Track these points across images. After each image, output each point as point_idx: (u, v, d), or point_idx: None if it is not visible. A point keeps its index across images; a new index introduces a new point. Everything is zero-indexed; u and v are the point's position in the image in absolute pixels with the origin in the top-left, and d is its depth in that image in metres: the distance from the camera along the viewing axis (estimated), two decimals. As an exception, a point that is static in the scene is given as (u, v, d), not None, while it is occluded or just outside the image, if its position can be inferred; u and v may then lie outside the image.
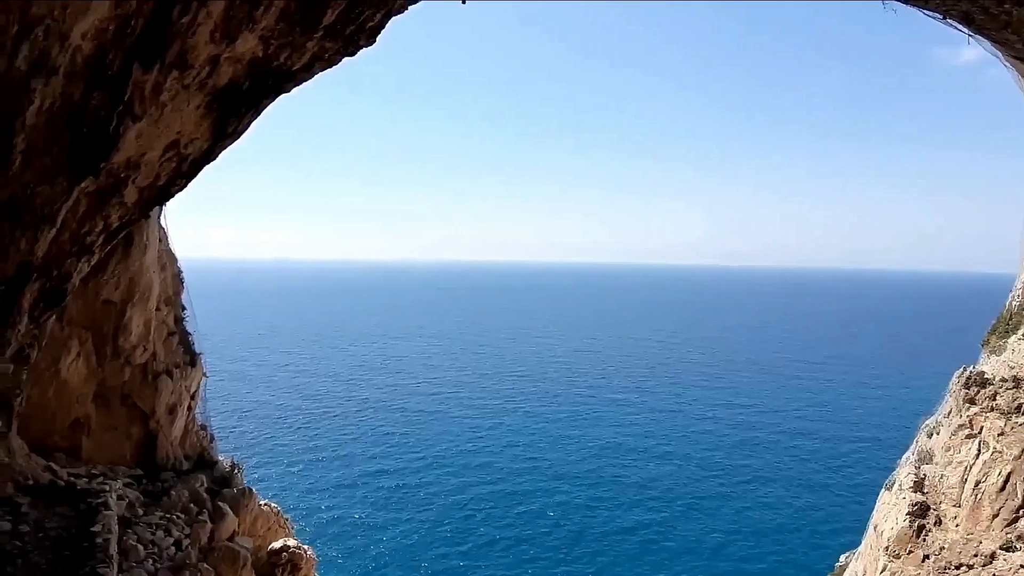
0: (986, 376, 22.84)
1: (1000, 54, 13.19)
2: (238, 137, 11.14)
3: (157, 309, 12.68)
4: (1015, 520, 17.73)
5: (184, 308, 14.35)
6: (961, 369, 24.12)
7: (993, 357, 24.80)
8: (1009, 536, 17.34)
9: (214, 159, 11.00)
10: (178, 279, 13.88)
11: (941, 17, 11.29)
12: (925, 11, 10.02)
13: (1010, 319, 26.23)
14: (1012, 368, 22.45)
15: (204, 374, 15.74)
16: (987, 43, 12.39)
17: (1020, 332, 24.65)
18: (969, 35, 11.93)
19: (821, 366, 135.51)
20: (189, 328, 14.68)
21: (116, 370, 12.11)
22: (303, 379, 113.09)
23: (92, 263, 8.89)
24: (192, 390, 14.80)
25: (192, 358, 14.72)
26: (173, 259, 13.58)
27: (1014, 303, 26.91)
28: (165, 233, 12.93)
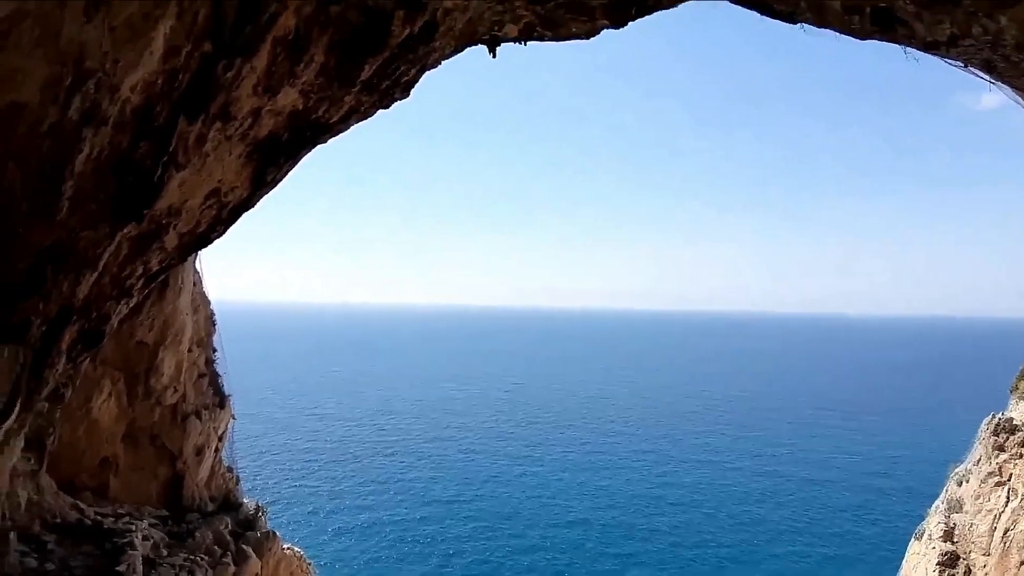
0: (1015, 423, 22.15)
1: (1022, 100, 13.18)
2: (275, 185, 11.36)
3: (189, 351, 12.78)
4: None
5: (215, 350, 14.45)
6: (990, 416, 23.42)
7: (1022, 403, 24.26)
8: None
9: (253, 206, 11.20)
10: (210, 321, 14.02)
11: (963, 65, 11.33)
12: (947, 59, 10.02)
13: None
14: None
15: (232, 416, 15.77)
16: (1008, 90, 12.43)
17: None
18: (991, 82, 11.95)
19: (849, 414, 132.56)
20: (219, 370, 14.75)
21: (146, 410, 12.15)
22: (329, 423, 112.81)
23: (131, 305, 9.00)
24: (220, 431, 14.79)
25: (221, 400, 14.75)
26: (206, 302, 13.74)
27: None
28: (199, 276, 13.12)
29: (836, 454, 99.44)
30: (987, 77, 11.72)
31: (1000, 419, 22.86)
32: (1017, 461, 20.57)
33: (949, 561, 20.04)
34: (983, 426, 23.89)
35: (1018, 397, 24.97)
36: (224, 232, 10.88)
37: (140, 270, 8.78)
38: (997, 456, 21.65)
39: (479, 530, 66.74)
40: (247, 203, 10.71)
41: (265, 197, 11.48)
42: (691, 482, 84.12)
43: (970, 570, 19.67)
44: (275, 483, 76.02)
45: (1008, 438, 21.70)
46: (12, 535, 7.91)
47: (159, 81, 6.69)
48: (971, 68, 11.38)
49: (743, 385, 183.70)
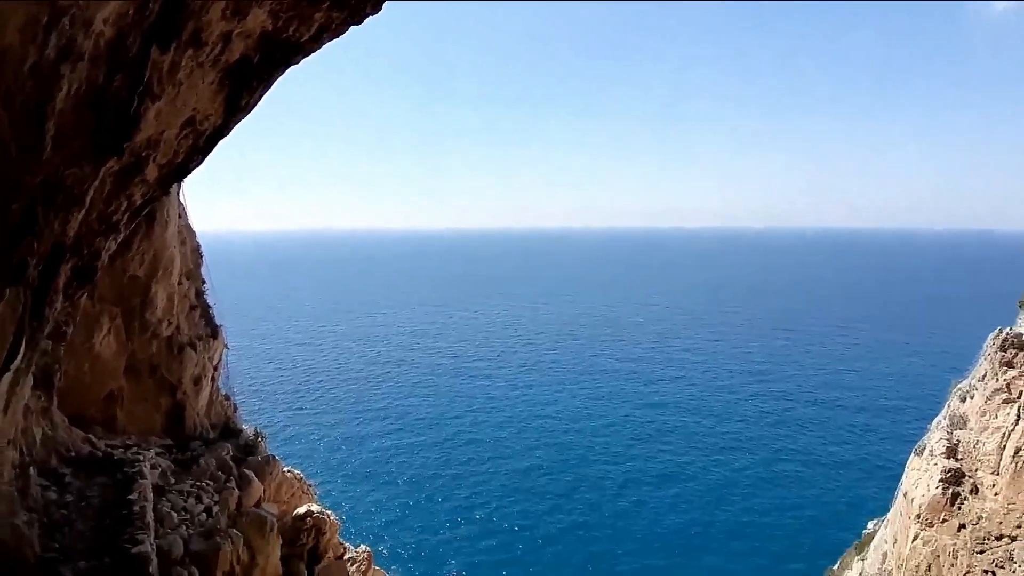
0: None
1: None
2: (250, 111, 11.56)
3: (179, 283, 13.29)
4: None
5: (204, 282, 14.95)
6: (996, 331, 23.55)
7: None
8: None
9: (228, 133, 11.44)
10: (197, 253, 14.46)
11: None
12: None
13: None
14: None
15: (225, 346, 16.45)
16: None
17: None
18: None
19: (849, 328, 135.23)
20: (209, 301, 15.29)
21: (144, 343, 12.78)
22: (324, 349, 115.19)
23: (119, 240, 9.42)
24: (215, 361, 15.50)
25: (214, 330, 15.38)
26: (192, 233, 14.14)
27: None
28: (184, 208, 13.46)
29: (835, 369, 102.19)
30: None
31: (1008, 334, 23.01)
32: None
33: (953, 478, 20.24)
34: (989, 341, 23.73)
35: None
36: (202, 161, 11.18)
37: (125, 204, 9.17)
38: (1005, 372, 21.80)
39: (474, 450, 69.50)
40: (222, 130, 10.95)
41: (245, 122, 11.70)
42: (689, 399, 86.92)
43: (977, 488, 19.83)
44: (273, 408, 78.52)
45: (1017, 354, 21.89)
46: (32, 470, 8.63)
47: (130, 11, 6.91)
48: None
49: (740, 298, 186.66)
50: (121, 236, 9.51)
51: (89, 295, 9.81)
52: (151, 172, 9.32)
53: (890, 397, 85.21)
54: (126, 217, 9.52)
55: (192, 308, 14.24)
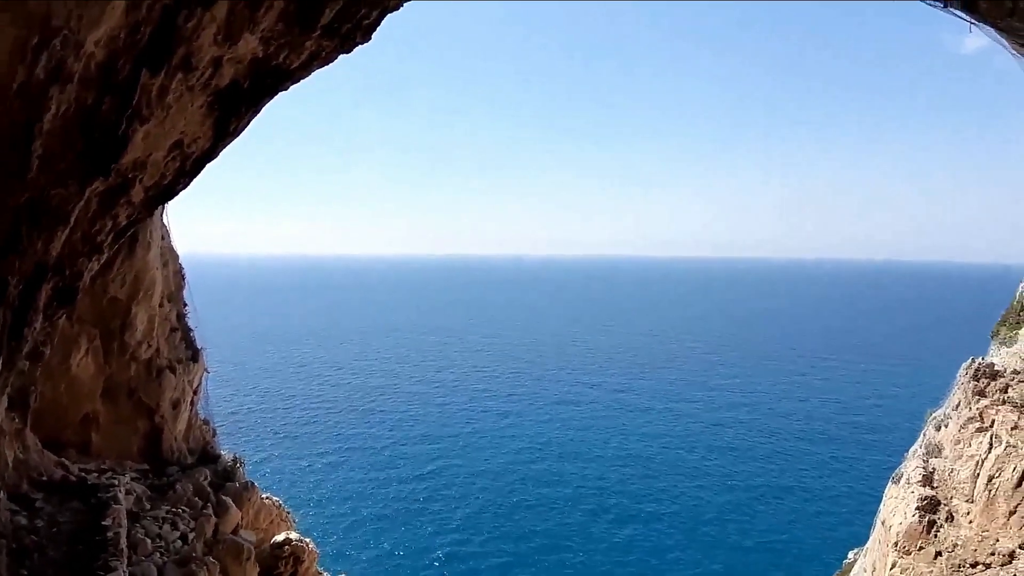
0: (996, 368, 22.64)
1: (1006, 43, 13.25)
2: (238, 135, 11.62)
3: (160, 305, 13.17)
4: None
5: (185, 304, 14.83)
6: (969, 361, 23.88)
7: (1003, 349, 24.54)
8: None
9: (215, 157, 11.48)
10: (179, 275, 14.36)
11: (942, 5, 11.37)
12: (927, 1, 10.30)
13: (1020, 310, 25.91)
14: None
15: (206, 369, 16.25)
16: (991, 31, 12.45)
17: None
18: (972, 23, 11.93)
19: (826, 358, 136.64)
20: (190, 324, 15.16)
21: (123, 366, 12.61)
22: (304, 375, 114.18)
23: (102, 261, 9.36)
24: (195, 385, 15.30)
25: (194, 353, 15.21)
26: (174, 256, 14.05)
27: None
28: (167, 230, 13.40)
29: (811, 398, 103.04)
30: (968, 18, 11.80)
31: (980, 364, 23.36)
32: (1000, 407, 20.96)
33: (929, 506, 20.50)
34: (962, 370, 24.11)
35: (999, 343, 25.39)
36: (188, 184, 11.18)
37: (109, 225, 9.14)
38: (978, 401, 22.08)
39: (457, 473, 68.91)
40: (210, 154, 10.99)
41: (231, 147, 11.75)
42: (664, 426, 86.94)
43: (952, 516, 20.08)
44: (253, 435, 77.43)
45: (989, 383, 22.21)
46: (2, 494, 8.41)
47: (122, 35, 6.97)
48: (951, 8, 11.44)
49: (718, 329, 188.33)
50: (104, 257, 9.46)
51: (68, 315, 9.70)
52: (137, 193, 9.30)
53: (869, 427, 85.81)
54: (110, 238, 9.48)
55: (173, 331, 14.09)
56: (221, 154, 11.73)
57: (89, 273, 9.02)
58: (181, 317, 14.62)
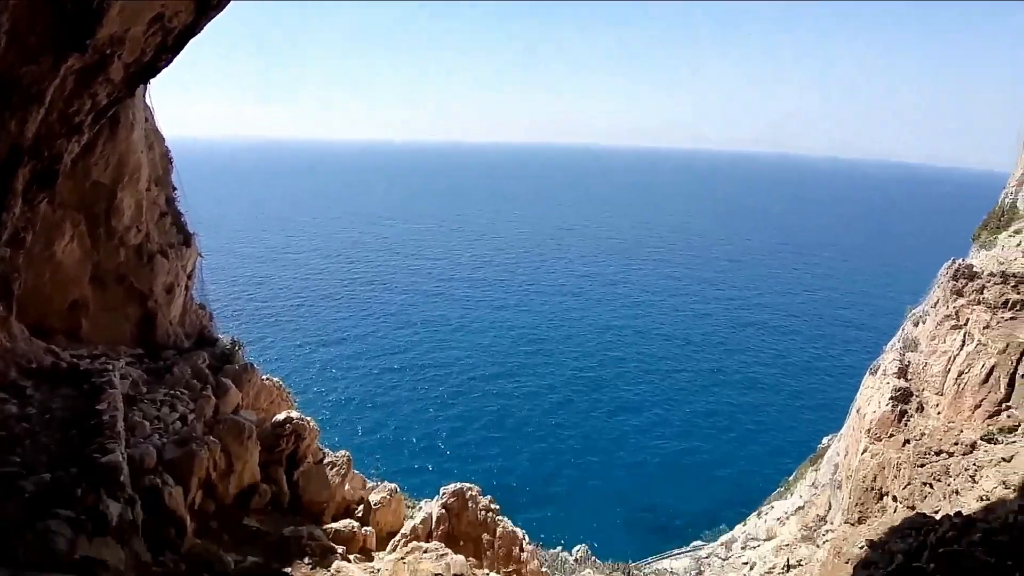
0: (975, 270, 23.48)
1: None
2: (222, 8, 10.81)
3: (148, 189, 12.71)
4: (997, 413, 18.58)
5: (175, 188, 14.38)
6: (950, 261, 24.79)
7: (983, 252, 25.37)
8: (991, 428, 18.11)
9: (199, 32, 10.74)
10: (166, 158, 13.81)
11: None
12: None
13: (1002, 215, 26.67)
14: (1001, 264, 23.06)
15: (199, 254, 15.99)
16: None
17: (1011, 229, 25.12)
18: None
19: (811, 254, 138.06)
20: (181, 208, 14.76)
21: (111, 252, 12.30)
22: (300, 262, 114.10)
23: (82, 143, 8.91)
24: (188, 270, 15.09)
25: (186, 238, 14.90)
26: (160, 138, 13.43)
27: (1007, 200, 27.32)
28: (151, 111, 12.74)
29: (797, 292, 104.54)
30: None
31: (960, 264, 24.21)
32: (975, 307, 21.99)
33: (902, 396, 21.71)
34: (943, 270, 25.08)
35: (979, 246, 26.34)
36: (171, 61, 10.49)
37: (88, 105, 8.62)
38: (955, 300, 23.15)
39: (450, 355, 70.57)
40: (192, 28, 10.25)
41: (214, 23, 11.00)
42: (653, 316, 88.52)
43: (923, 407, 21.37)
44: (251, 318, 78.31)
45: (967, 284, 23.11)
46: (-9, 381, 8.29)
47: None
48: None
49: (705, 222, 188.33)
50: (84, 139, 8.98)
51: (49, 201, 9.31)
52: (116, 71, 8.70)
53: (851, 322, 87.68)
54: (89, 118, 8.95)
55: (162, 215, 13.68)
56: (206, 30, 11.01)
57: (69, 156, 8.58)
58: (170, 201, 14.19)
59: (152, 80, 10.51)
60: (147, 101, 12.51)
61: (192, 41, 10.51)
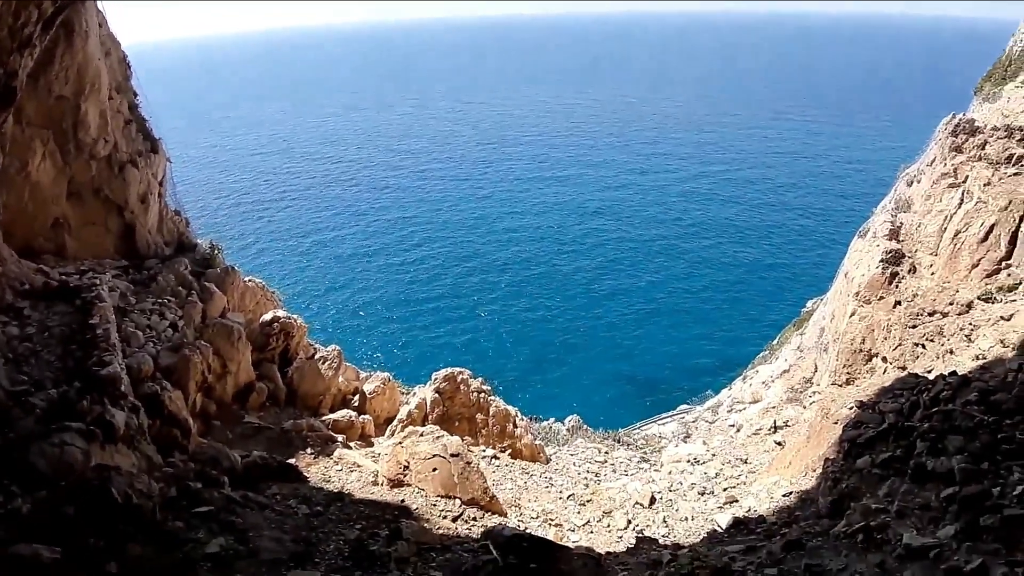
0: (976, 124, 22.38)
1: None
2: None
3: (110, 98, 12.49)
4: (996, 272, 17.92)
5: (136, 94, 14.08)
6: (949, 116, 23.61)
7: (986, 105, 24.29)
8: (989, 287, 17.57)
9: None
10: (125, 64, 13.42)
11: None
12: None
13: (1009, 65, 25.16)
14: (1006, 116, 21.83)
15: (167, 159, 15.87)
16: None
17: (1019, 79, 23.80)
18: None
19: (798, 110, 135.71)
20: (144, 114, 14.52)
21: (83, 166, 12.25)
22: (269, 156, 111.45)
23: (35, 56, 8.72)
24: (159, 177, 15.04)
25: (153, 144, 14.74)
26: (116, 43, 12.99)
27: (1015, 49, 25.47)
28: (104, 17, 12.29)
29: (793, 151, 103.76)
30: None
31: (961, 119, 23.06)
32: (975, 163, 20.88)
33: (893, 259, 21.09)
34: (941, 126, 23.84)
35: (982, 98, 24.88)
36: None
37: (35, 15, 8.38)
38: (954, 157, 22.09)
39: (424, 238, 70.93)
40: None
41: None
42: (641, 178, 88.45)
43: (915, 268, 20.76)
44: (227, 219, 77.56)
45: (967, 140, 21.98)
46: (-11, 304, 8.53)
47: None
48: None
49: (691, 82, 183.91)
50: (37, 52, 8.78)
51: (16, 120, 9.20)
52: (58, -26, 8.43)
53: (838, 178, 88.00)
54: (38, 28, 8.72)
55: (127, 123, 13.47)
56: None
57: (24, 71, 8.41)
58: (133, 108, 13.92)
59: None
60: (98, 6, 12.06)
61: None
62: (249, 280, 17.81)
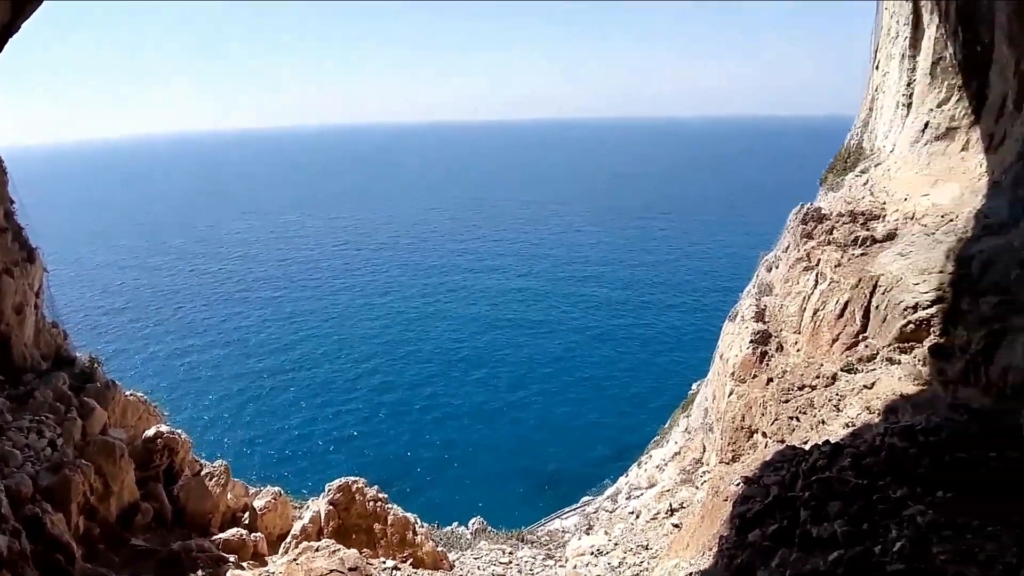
0: (823, 212, 24.58)
1: None
2: (39, 4, 10.34)
3: (-18, 206, 11.95)
4: (854, 344, 18.91)
5: (12, 202, 13.51)
6: (798, 206, 26.04)
7: (831, 193, 26.71)
8: (850, 359, 18.50)
9: (16, 31, 10.23)
10: (0, 170, 12.97)
11: None
12: None
13: (848, 157, 27.85)
14: (848, 203, 23.91)
15: (45, 269, 15.14)
16: None
17: (857, 169, 26.27)
18: None
19: (661, 214, 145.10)
20: (20, 222, 13.90)
21: (-50, 276, 11.52)
22: (154, 266, 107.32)
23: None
24: (36, 287, 14.25)
25: (30, 254, 14.04)
26: (-10, 150, 12.60)
27: (852, 142, 28.58)
28: (-24, 123, 11.93)
29: (656, 250, 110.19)
30: None
31: (809, 208, 25.47)
32: (825, 247, 22.58)
33: (761, 339, 22.52)
34: (792, 215, 26.32)
35: (827, 188, 27.69)
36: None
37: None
38: (806, 243, 24.09)
39: (309, 349, 69.47)
40: (9, 29, 9.79)
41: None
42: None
43: (782, 346, 22.13)
44: (109, 332, 73.22)
45: (816, 226, 24.09)
46: None
47: None
48: None
49: (551, 187, 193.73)
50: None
51: None
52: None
53: (710, 272, 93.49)
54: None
55: (2, 231, 12.83)
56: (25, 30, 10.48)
57: None
58: (9, 216, 13.27)
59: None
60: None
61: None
62: (130, 394, 16.90)
